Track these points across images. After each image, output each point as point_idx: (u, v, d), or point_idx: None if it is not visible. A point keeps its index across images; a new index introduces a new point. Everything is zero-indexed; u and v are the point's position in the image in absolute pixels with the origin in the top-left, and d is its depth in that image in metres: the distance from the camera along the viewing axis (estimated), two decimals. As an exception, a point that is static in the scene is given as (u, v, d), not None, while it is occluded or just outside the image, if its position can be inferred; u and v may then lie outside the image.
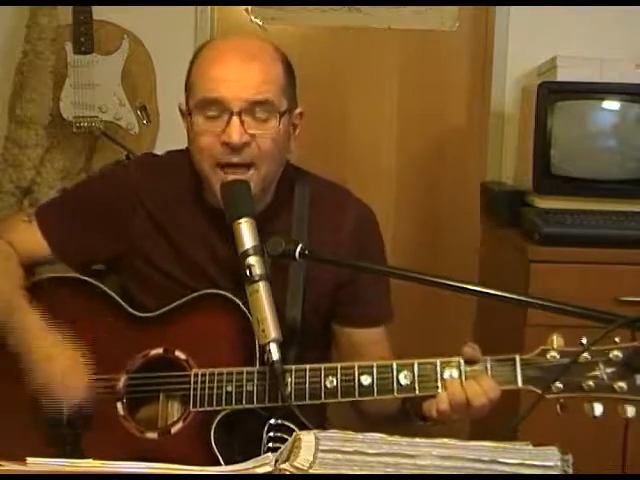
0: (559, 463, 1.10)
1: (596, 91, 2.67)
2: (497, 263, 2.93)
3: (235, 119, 1.46)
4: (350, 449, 1.11)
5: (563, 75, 2.72)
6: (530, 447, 1.13)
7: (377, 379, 1.38)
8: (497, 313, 2.79)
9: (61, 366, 1.45)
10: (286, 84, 1.53)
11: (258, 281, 1.38)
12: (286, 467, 1.06)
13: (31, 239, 1.61)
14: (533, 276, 2.46)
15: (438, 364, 1.37)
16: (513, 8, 3.06)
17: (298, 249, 1.41)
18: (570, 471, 1.09)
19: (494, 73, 3.12)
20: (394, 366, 1.38)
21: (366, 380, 1.38)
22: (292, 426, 1.38)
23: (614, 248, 2.48)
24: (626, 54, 2.90)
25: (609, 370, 1.29)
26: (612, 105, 2.70)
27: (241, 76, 1.47)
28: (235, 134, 1.46)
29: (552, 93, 2.63)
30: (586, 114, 2.71)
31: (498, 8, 3.08)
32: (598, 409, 1.29)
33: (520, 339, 2.42)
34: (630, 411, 1.28)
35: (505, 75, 3.10)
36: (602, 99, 2.68)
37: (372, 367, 1.39)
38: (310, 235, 1.57)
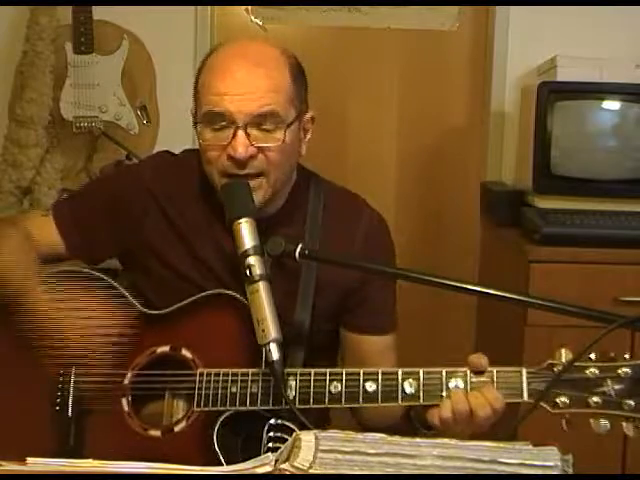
0: (559, 463, 1.09)
1: (596, 91, 2.67)
2: (497, 263, 2.93)
3: (240, 133, 1.45)
4: (350, 449, 1.10)
5: (563, 75, 2.72)
6: (530, 447, 1.13)
7: (382, 386, 1.37)
8: (497, 313, 2.80)
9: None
10: (294, 91, 1.50)
11: (258, 281, 1.38)
12: (286, 467, 1.06)
13: (48, 233, 1.61)
14: (533, 276, 2.46)
15: (444, 374, 1.36)
16: (513, 8, 3.06)
17: (298, 249, 1.41)
18: (570, 471, 1.09)
19: (494, 73, 3.12)
20: (399, 374, 1.37)
21: (371, 387, 1.37)
22: (292, 426, 1.38)
23: (614, 248, 2.48)
24: (626, 54, 2.90)
25: (617, 387, 1.27)
26: (612, 105, 2.70)
27: (245, 88, 1.45)
28: (241, 148, 1.45)
29: (552, 93, 2.63)
30: (586, 114, 2.71)
31: (498, 8, 3.09)
32: (604, 425, 1.27)
33: (520, 339, 2.41)
34: (636, 430, 1.26)
35: (505, 75, 3.11)
36: (602, 99, 2.68)
37: (377, 374, 1.38)
38: (323, 241, 1.57)
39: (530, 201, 2.72)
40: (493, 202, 2.86)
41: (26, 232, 1.60)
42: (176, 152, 1.70)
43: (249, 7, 3.16)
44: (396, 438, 1.14)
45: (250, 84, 1.46)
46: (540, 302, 1.36)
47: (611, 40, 2.98)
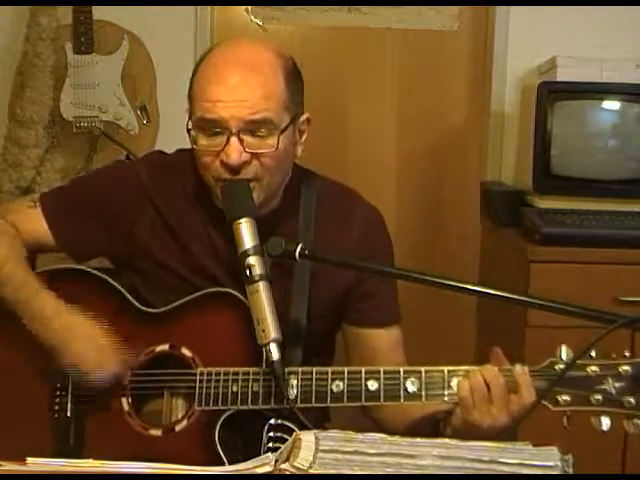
0: (559, 463, 1.09)
1: (596, 91, 2.67)
2: (497, 263, 2.93)
3: (234, 139, 1.44)
4: (350, 449, 1.10)
5: (563, 75, 2.72)
6: (530, 447, 1.13)
7: (384, 385, 1.37)
8: (497, 313, 2.80)
9: (86, 345, 1.45)
10: (288, 96, 1.49)
11: (258, 281, 1.38)
12: (286, 467, 1.06)
13: (34, 225, 1.60)
14: (533, 276, 2.46)
15: (446, 372, 1.37)
16: (513, 8, 3.06)
17: (298, 249, 1.41)
18: (570, 471, 1.09)
19: (494, 73, 3.12)
20: (401, 372, 1.37)
21: (373, 385, 1.38)
22: (292, 426, 1.38)
23: (614, 248, 2.48)
24: (626, 54, 2.90)
25: (618, 384, 1.28)
26: (612, 105, 2.71)
27: (239, 95, 1.44)
28: (234, 154, 1.44)
29: (552, 93, 2.63)
30: (586, 114, 2.71)
31: (498, 8, 3.08)
32: (606, 423, 1.28)
33: (520, 339, 2.42)
34: (637, 427, 1.27)
35: (505, 75, 3.10)
36: (602, 99, 2.68)
37: (379, 372, 1.38)
38: (317, 238, 1.57)
39: (530, 201, 2.72)
40: (493, 202, 2.85)
41: (11, 229, 1.57)
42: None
43: (249, 7, 3.16)
44: (396, 438, 1.14)
45: (243, 91, 1.45)
46: (540, 302, 1.36)
47: (611, 40, 2.98)
